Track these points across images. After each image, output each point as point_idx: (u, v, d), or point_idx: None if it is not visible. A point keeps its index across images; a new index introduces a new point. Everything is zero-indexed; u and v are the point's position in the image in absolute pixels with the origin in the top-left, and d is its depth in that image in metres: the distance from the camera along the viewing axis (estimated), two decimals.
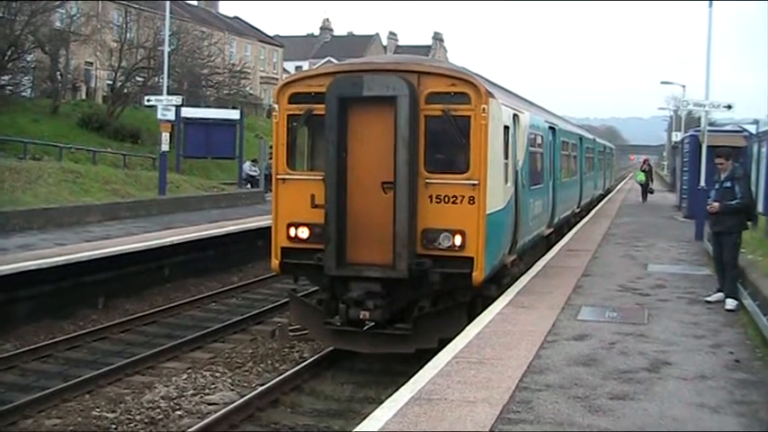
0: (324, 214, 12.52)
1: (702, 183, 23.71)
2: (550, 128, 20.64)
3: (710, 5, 25.28)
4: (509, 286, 14.41)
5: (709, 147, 23.87)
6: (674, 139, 59.00)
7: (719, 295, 13.50)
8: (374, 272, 12.54)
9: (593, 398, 8.22)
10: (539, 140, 18.55)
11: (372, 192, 12.55)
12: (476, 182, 12.33)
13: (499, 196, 13.40)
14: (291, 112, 13.25)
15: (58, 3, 44.62)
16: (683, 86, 57.30)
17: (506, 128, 14.10)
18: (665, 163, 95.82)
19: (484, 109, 12.34)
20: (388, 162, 12.31)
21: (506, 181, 14.16)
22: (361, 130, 12.64)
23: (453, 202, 12.42)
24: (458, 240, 12.38)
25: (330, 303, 13.17)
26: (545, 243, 20.60)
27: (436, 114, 12.47)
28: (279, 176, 13.30)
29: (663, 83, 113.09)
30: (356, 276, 12.66)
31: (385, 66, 13.28)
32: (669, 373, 9.27)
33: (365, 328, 12.96)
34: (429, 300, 12.87)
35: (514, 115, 15.09)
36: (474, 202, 12.34)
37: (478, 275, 12.37)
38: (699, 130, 27.83)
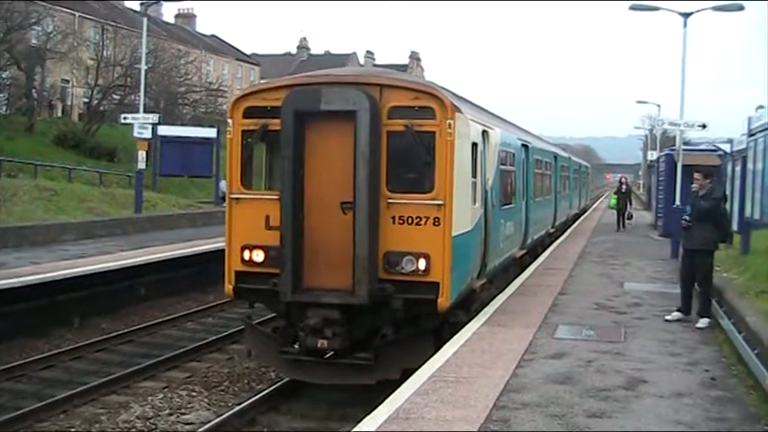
0: (279, 236, 11.88)
1: (678, 201, 23.87)
2: (523, 145, 20.03)
3: (685, 25, 25.55)
4: (478, 312, 13.77)
5: (684, 165, 24.08)
6: (649, 157, 59.50)
7: (678, 314, 13.57)
8: (332, 298, 11.77)
9: (571, 416, 8.24)
10: (510, 158, 17.80)
11: (331, 212, 11.84)
12: (441, 202, 11.66)
13: (466, 217, 12.68)
14: (246, 128, 12.56)
15: (34, 19, 44.44)
16: (659, 106, 58.04)
17: (475, 145, 13.37)
18: (641, 182, 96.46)
19: (450, 124, 11.68)
20: (348, 181, 11.61)
21: (474, 201, 13.43)
22: (320, 146, 11.92)
23: (417, 224, 11.73)
24: (422, 264, 11.67)
25: (287, 331, 12.52)
26: (518, 265, 19.87)
27: (399, 130, 11.77)
28: (232, 196, 12.63)
29: (638, 102, 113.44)
30: (314, 303, 11.90)
31: (344, 78, 12.65)
32: (646, 390, 9.30)
33: (327, 356, 12.24)
34: (392, 327, 12.09)
35: (484, 131, 14.40)
36: (439, 224, 11.66)
37: (444, 301, 11.70)
38: (674, 149, 28.05)
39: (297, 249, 11.82)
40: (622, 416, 8.33)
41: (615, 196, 37.22)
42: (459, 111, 12.16)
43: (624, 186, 36.66)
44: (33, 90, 47.55)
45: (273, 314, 14.15)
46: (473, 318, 13.24)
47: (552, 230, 28.55)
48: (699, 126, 25.78)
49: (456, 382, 9.35)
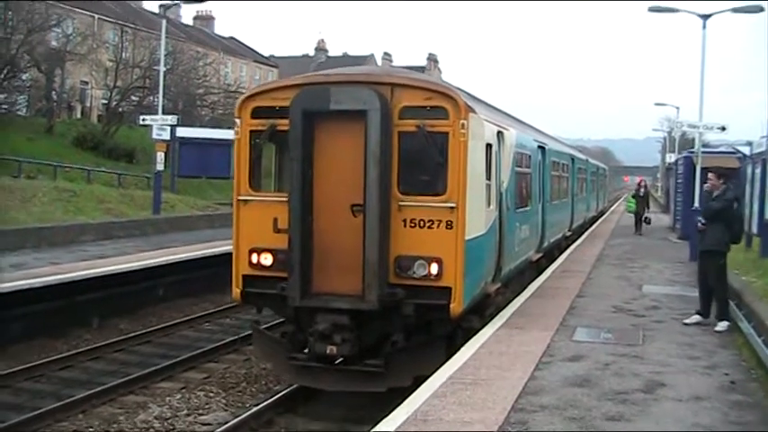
0: (287, 239, 11.59)
1: (696, 204, 23.77)
2: (540, 147, 19.65)
3: (704, 27, 25.46)
4: (493, 317, 13.49)
5: (703, 168, 23.96)
6: (667, 160, 59.23)
7: (697, 317, 13.51)
8: (342, 303, 11.44)
9: (589, 419, 8.21)
10: (526, 160, 17.39)
11: (341, 215, 11.52)
12: (453, 204, 11.31)
13: (480, 220, 12.35)
14: (254, 128, 12.25)
15: (54, 22, 44.73)
16: (677, 108, 57.72)
17: (489, 146, 13.06)
18: (659, 184, 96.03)
19: (463, 125, 11.32)
20: (358, 183, 11.27)
21: (489, 203, 13.10)
22: (329, 147, 11.60)
23: (429, 227, 11.38)
24: (434, 269, 11.33)
25: (295, 337, 12.26)
26: (534, 268, 19.53)
27: (411, 130, 11.43)
28: (240, 198, 12.34)
29: (657, 104, 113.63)
30: (322, 308, 11.58)
31: (355, 77, 12.22)
32: (664, 394, 9.26)
33: (336, 362, 11.87)
34: (403, 333, 11.79)
35: (498, 132, 14.05)
36: (452, 227, 11.31)
37: (456, 307, 11.34)
38: (693, 152, 27.94)
39: (305, 253, 11.52)
40: (641, 419, 8.29)
41: (633, 200, 36.55)
42: (473, 111, 11.81)
43: (642, 190, 36.19)
44: (53, 92, 47.87)
45: (282, 319, 13.99)
46: (487, 323, 12.99)
47: (569, 233, 28.17)
48: (718, 128, 25.67)
49: (474, 384, 9.33)
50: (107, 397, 13.16)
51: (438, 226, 11.38)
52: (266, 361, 13.53)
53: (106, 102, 51.10)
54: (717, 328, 12.94)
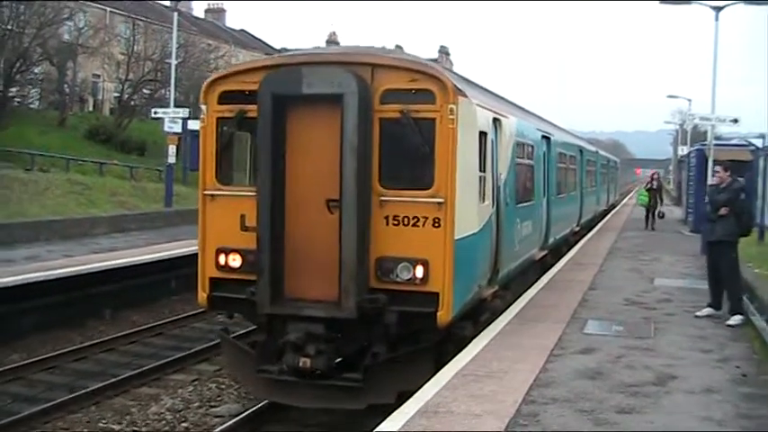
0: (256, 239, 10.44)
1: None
2: (544, 137, 18.58)
3: (717, 19, 25.35)
4: (489, 323, 12.39)
5: (715, 161, 23.89)
6: (679, 153, 59.02)
7: (708, 310, 13.49)
8: (316, 310, 10.29)
9: (600, 411, 8.22)
10: (529, 151, 16.20)
11: (316, 211, 10.39)
12: (441, 200, 10.12)
13: (472, 217, 11.13)
14: (222, 115, 11.09)
15: (66, 15, 44.84)
16: (689, 100, 57.51)
17: (483, 134, 11.78)
18: (671, 177, 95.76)
19: (451, 109, 10.11)
20: (335, 175, 10.10)
21: (482, 198, 11.86)
22: (303, 135, 10.48)
23: (414, 225, 10.20)
24: (419, 272, 10.16)
25: (267, 346, 10.97)
26: (538, 267, 18.34)
27: (393, 116, 10.23)
28: (206, 192, 11.19)
29: (669, 97, 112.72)
30: (295, 315, 10.43)
31: (330, 57, 11.04)
32: (676, 386, 9.27)
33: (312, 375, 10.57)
34: (385, 344, 10.56)
35: (495, 119, 12.79)
36: (439, 225, 10.12)
37: (444, 315, 10.15)
38: (705, 144, 27.84)
39: (276, 254, 10.38)
40: (652, 412, 8.30)
41: (646, 193, 34.38)
42: (464, 94, 10.65)
43: (655, 183, 34.39)
44: (65, 85, 47.96)
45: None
46: (482, 331, 11.85)
47: (577, 229, 27.24)
48: (731, 121, 25.56)
49: (485, 377, 9.35)
50: (120, 388, 13.25)
51: (424, 224, 10.21)
52: (235, 373, 12.43)
53: (118, 95, 51.20)
54: (729, 322, 12.91)
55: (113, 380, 13.50)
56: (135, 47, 50.72)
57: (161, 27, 51.64)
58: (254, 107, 10.58)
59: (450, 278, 10.16)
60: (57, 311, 16.90)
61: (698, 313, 13.55)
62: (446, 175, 10.18)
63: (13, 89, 40.05)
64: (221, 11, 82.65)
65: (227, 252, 10.95)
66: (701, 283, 16.71)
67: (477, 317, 11.99)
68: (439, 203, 10.15)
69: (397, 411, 8.15)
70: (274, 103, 10.32)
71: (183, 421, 11.87)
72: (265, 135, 10.35)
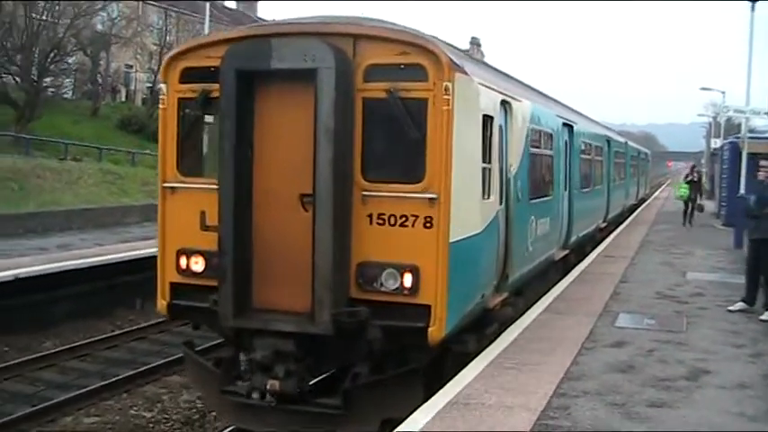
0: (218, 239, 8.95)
1: (742, 190, 23.45)
2: (566, 125, 16.72)
3: (753, 8, 25.04)
4: (498, 335, 10.84)
5: (749, 154, 23.66)
6: (713, 145, 58.46)
7: (741, 305, 13.35)
8: (286, 324, 8.79)
9: (631, 405, 8.16)
10: (546, 139, 14.44)
11: (287, 207, 8.88)
12: (434, 195, 8.56)
13: (473, 215, 9.49)
14: (183, 95, 9.54)
15: (99, 6, 45.19)
16: (723, 92, 56.83)
17: (488, 118, 10.07)
18: (704, 170, 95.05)
19: (447, 88, 8.51)
20: (310, 166, 8.58)
21: (486, 194, 10.09)
22: (273, 118, 8.95)
23: (402, 225, 8.67)
24: (408, 280, 8.63)
25: (234, 363, 9.40)
26: (559, 267, 16.65)
27: (379, 96, 8.68)
28: (166, 185, 9.67)
29: (702, 89, 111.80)
30: (262, 330, 8.94)
31: (305, 27, 9.28)
32: (708, 381, 9.18)
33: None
34: (368, 364, 9.13)
35: (504, 102, 11.03)
36: (432, 225, 8.58)
37: (437, 331, 8.60)
38: (739, 137, 27.56)
39: (241, 257, 8.91)
40: (684, 406, 8.23)
41: (686, 185, 32.00)
42: (462, 71, 9.03)
43: (696, 175, 32.85)
44: (98, 75, 48.40)
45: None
46: (487, 346, 10.28)
47: (604, 225, 25.06)
48: (765, 113, 25.32)
49: (516, 369, 9.31)
50: (151, 377, 13.38)
51: (414, 223, 8.67)
52: (200, 391, 11.28)
53: (150, 85, 51.57)
54: (763, 317, 12.76)
55: (144, 368, 13.63)
56: (167, 37, 51.10)
57: (193, 17, 51.88)
58: (218, 86, 9.05)
59: (444, 287, 8.64)
60: (89, 300, 17.07)
61: (731, 308, 13.41)
62: (440, 167, 8.61)
63: (48, 79, 40.46)
64: (254, 1, 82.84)
65: (188, 254, 9.49)
66: (734, 277, 16.59)
67: (482, 329, 10.39)
68: (431, 199, 8.61)
69: (427, 403, 8.12)
70: (239, 80, 8.78)
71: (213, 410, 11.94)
72: (229, 118, 8.82)
